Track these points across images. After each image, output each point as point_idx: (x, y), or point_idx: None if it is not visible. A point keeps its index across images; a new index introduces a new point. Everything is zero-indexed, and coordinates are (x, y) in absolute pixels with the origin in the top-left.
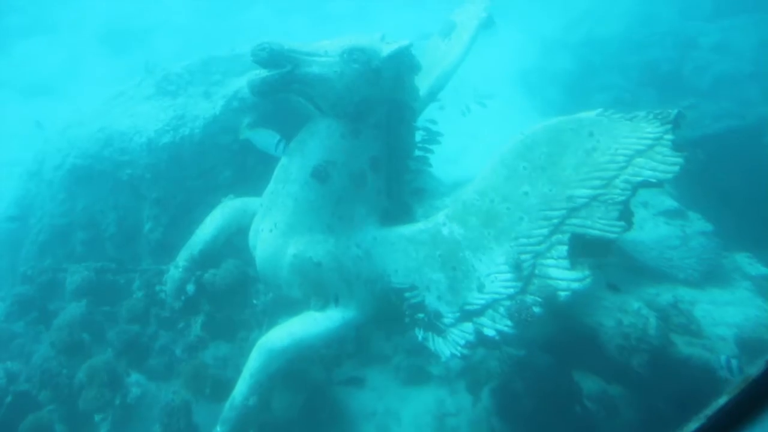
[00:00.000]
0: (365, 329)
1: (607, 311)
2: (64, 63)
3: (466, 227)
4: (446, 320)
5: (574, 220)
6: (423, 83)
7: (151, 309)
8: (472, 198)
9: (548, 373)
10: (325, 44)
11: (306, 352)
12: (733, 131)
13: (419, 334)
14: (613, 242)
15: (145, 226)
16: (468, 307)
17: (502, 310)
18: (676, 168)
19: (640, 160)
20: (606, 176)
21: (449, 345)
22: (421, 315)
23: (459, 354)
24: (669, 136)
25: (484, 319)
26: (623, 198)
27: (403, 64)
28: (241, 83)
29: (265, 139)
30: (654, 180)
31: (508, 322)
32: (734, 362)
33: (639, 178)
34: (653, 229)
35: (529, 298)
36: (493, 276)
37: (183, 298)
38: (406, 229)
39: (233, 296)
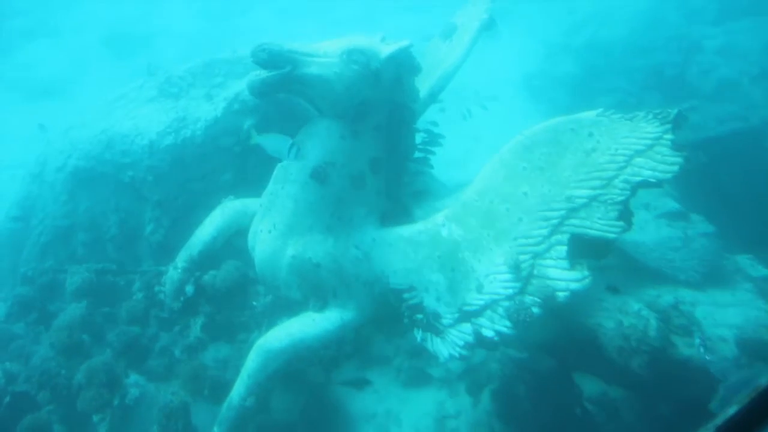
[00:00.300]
0: (365, 330)
1: (607, 312)
2: (68, 66)
3: (466, 228)
4: (445, 321)
5: (573, 221)
6: (424, 85)
7: (151, 310)
8: (472, 198)
9: (548, 375)
10: (324, 45)
11: (304, 353)
12: (736, 133)
13: (418, 335)
14: (612, 242)
15: (147, 228)
16: (467, 308)
17: (500, 310)
18: (676, 168)
19: (639, 160)
20: (605, 176)
21: (448, 346)
22: (419, 316)
23: (457, 355)
24: (669, 136)
25: (482, 320)
26: (622, 198)
27: (402, 66)
28: (242, 85)
29: (276, 143)
30: (653, 180)
31: (507, 323)
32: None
33: (638, 178)
34: (655, 231)
35: (527, 299)
36: (492, 276)
37: (182, 298)
38: (405, 230)
39: (233, 298)
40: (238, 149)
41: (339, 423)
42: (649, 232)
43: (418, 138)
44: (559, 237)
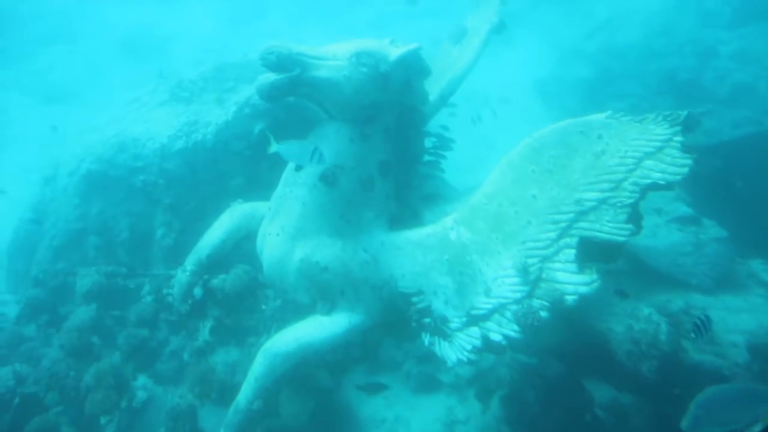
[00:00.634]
0: (374, 334)
1: (617, 317)
2: (85, 71)
3: (474, 231)
4: (453, 325)
5: (582, 224)
6: (434, 88)
7: (160, 314)
8: (480, 201)
9: (558, 380)
10: (333, 48)
11: (311, 357)
12: (750, 137)
13: (426, 338)
14: (622, 246)
15: (158, 232)
16: (475, 312)
17: (509, 314)
18: (686, 170)
19: (649, 162)
20: (615, 179)
21: (455, 350)
22: (427, 320)
23: (465, 359)
24: (678, 138)
25: (490, 324)
26: (632, 201)
27: (411, 68)
28: (252, 90)
29: (297, 150)
30: (663, 182)
31: (515, 327)
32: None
33: (648, 181)
34: (666, 236)
35: (536, 303)
36: (501, 280)
37: (190, 301)
38: (414, 234)
39: (243, 301)
40: (248, 153)
41: (348, 428)
42: (661, 237)
43: (429, 142)
44: (567, 240)
